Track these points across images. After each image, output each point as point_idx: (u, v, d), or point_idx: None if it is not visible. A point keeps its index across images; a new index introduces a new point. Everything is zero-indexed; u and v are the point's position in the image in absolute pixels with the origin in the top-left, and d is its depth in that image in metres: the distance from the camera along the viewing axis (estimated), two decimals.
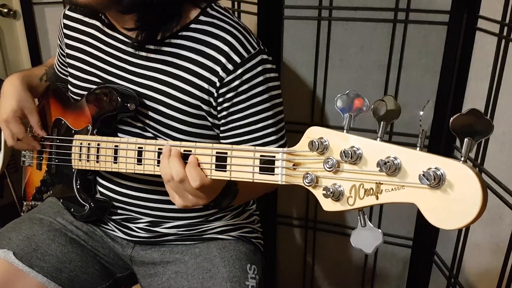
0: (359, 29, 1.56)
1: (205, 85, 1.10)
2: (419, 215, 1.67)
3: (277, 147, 1.15)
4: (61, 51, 1.36)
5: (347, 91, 0.71)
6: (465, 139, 0.59)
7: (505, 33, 1.27)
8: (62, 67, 1.40)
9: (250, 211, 1.39)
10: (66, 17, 1.30)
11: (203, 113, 1.13)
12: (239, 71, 1.08)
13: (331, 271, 1.95)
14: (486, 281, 1.42)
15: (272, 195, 1.83)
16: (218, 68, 1.08)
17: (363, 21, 1.54)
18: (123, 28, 1.16)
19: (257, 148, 0.84)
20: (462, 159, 0.58)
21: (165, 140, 1.15)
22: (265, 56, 1.12)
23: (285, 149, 0.79)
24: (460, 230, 1.50)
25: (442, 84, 1.48)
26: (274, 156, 0.81)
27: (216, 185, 0.93)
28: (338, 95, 0.71)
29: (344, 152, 0.67)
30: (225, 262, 1.21)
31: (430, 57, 1.50)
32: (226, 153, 0.87)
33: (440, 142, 1.51)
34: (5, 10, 2.01)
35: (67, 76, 1.33)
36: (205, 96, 1.11)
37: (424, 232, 1.66)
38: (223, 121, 1.13)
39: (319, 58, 1.63)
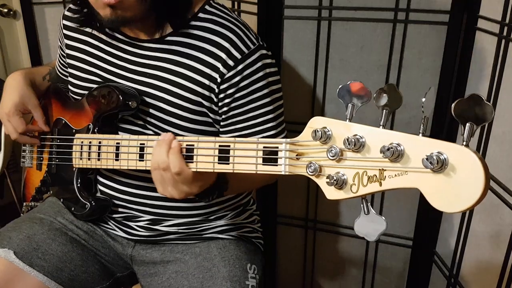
0: (359, 29, 1.56)
1: (206, 82, 1.10)
2: (419, 214, 1.67)
3: None
4: (62, 52, 1.37)
5: (349, 81, 0.71)
6: (467, 123, 0.59)
7: (505, 33, 1.28)
8: (63, 67, 1.41)
9: (250, 211, 1.39)
10: (66, 17, 1.30)
11: (204, 110, 1.14)
12: (240, 67, 1.09)
13: (331, 271, 1.94)
14: (486, 281, 1.42)
15: (272, 195, 1.84)
16: (218, 64, 1.09)
17: (363, 21, 1.55)
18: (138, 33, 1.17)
19: (260, 139, 0.84)
20: (464, 143, 0.59)
21: None
22: (264, 51, 1.13)
23: (288, 139, 0.80)
24: (460, 230, 1.50)
25: (442, 84, 1.48)
26: (277, 147, 0.81)
27: (199, 181, 0.95)
28: (341, 85, 0.71)
29: (347, 140, 0.68)
30: (225, 261, 1.21)
31: (430, 57, 1.51)
32: (228, 146, 0.88)
33: None
34: (5, 10, 2.01)
35: (67, 76, 1.33)
36: (206, 93, 1.11)
37: (424, 232, 1.66)
38: (224, 116, 1.14)
39: (319, 58, 1.64)
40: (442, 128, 1.49)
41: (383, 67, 1.57)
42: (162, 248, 1.28)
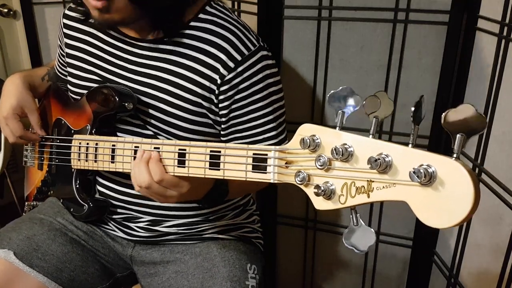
0: (359, 29, 1.56)
1: (206, 83, 1.10)
2: None
3: (277, 141, 1.16)
4: (61, 51, 1.36)
5: (340, 88, 0.71)
6: (457, 135, 0.58)
7: (505, 33, 1.27)
8: (62, 67, 1.41)
9: (250, 211, 1.39)
10: (66, 16, 1.30)
11: (204, 111, 1.13)
12: (240, 69, 1.09)
13: (331, 271, 1.94)
14: (486, 281, 1.42)
15: (272, 195, 1.83)
16: (218, 66, 1.09)
17: (363, 21, 1.54)
18: (133, 33, 1.17)
19: (250, 146, 0.84)
20: (455, 155, 0.57)
21: (166, 138, 1.16)
22: (265, 52, 1.13)
23: (277, 147, 0.79)
24: (460, 230, 1.50)
25: (442, 84, 1.47)
26: (266, 154, 0.81)
27: (185, 181, 0.96)
28: (331, 91, 0.70)
29: (335, 149, 0.66)
30: (225, 261, 1.21)
31: (430, 57, 1.50)
32: (219, 151, 0.87)
33: (440, 143, 1.51)
34: (5, 10, 2.01)
35: (67, 76, 1.33)
36: (206, 94, 1.11)
37: (424, 232, 1.65)
38: (224, 119, 1.14)
39: (319, 58, 1.63)
40: (442, 128, 1.48)
41: (383, 67, 1.57)
42: (162, 249, 1.28)
